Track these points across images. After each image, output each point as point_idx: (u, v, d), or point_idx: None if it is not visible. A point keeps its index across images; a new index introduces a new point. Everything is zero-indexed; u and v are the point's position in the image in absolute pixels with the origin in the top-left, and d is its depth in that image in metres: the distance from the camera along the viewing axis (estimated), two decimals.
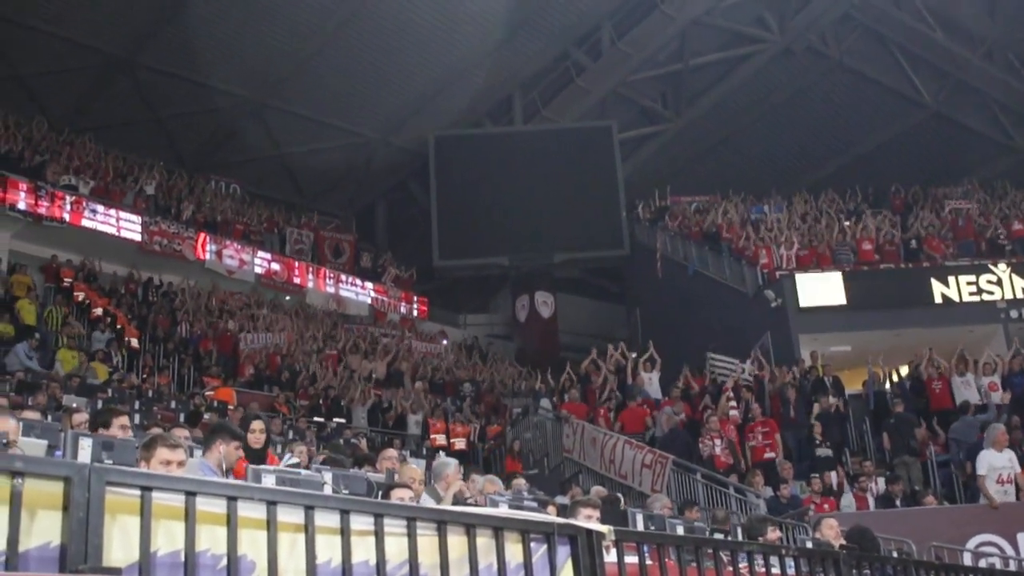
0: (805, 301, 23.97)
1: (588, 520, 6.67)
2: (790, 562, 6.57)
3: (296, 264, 31.30)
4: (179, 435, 7.01)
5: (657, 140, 36.17)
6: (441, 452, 19.03)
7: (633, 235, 33.44)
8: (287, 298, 30.47)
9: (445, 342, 32.40)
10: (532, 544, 4.57)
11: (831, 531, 8.98)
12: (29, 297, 21.89)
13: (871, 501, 15.67)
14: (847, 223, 27.58)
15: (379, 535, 4.07)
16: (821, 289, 24.14)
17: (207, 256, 28.63)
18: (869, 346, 22.64)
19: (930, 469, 17.57)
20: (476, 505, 7.79)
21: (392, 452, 10.42)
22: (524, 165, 33.75)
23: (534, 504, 7.73)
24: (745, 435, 18.29)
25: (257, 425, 8.65)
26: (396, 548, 4.14)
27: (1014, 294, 23.56)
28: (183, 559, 3.54)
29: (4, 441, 5.63)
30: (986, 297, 23.65)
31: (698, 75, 34.08)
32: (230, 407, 18.24)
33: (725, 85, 34.04)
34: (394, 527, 4.15)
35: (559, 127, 34.79)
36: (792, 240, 25.93)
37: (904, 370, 21.27)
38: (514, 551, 4.52)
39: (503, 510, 5.55)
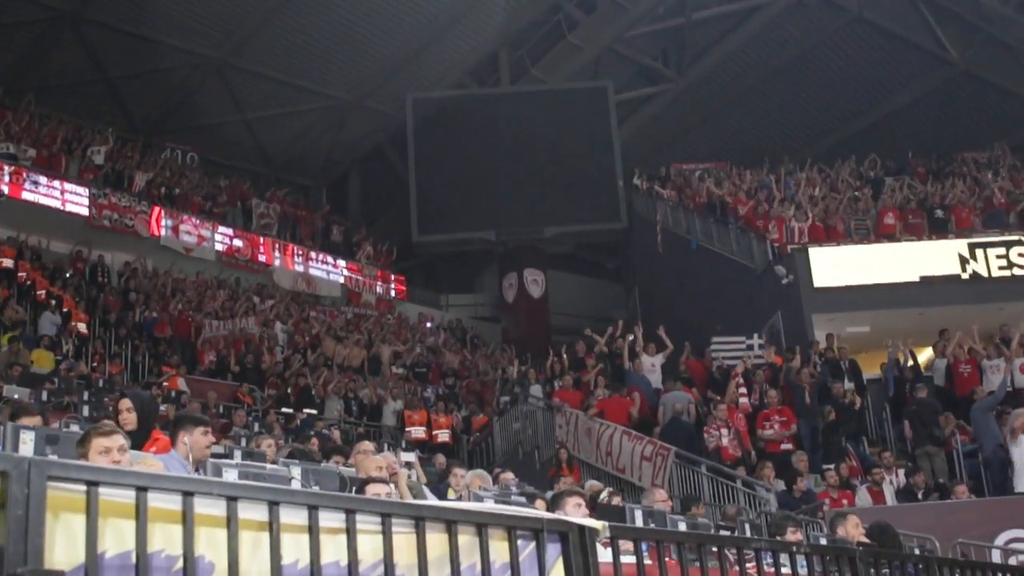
0: (819, 277, 23.96)
1: (577, 510, 6.70)
2: (802, 560, 6.59)
3: (261, 240, 31.20)
4: (107, 425, 7.03)
5: (657, 102, 36.13)
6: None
7: (631, 206, 33.42)
8: (257, 280, 30.30)
9: (429, 324, 32.39)
10: (519, 542, 4.57)
11: (857, 529, 9.00)
12: None
13: (889, 494, 15.75)
14: (866, 192, 27.60)
15: (351, 533, 4.06)
16: (837, 264, 24.14)
17: (162, 232, 28.50)
18: (890, 326, 22.68)
19: (956, 460, 17.66)
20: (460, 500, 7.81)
21: (368, 445, 10.41)
22: (511, 130, 33.68)
23: (522, 499, 7.75)
24: (758, 424, 18.32)
25: (123, 404, 8.43)
26: (370, 547, 4.13)
27: None
28: (134, 560, 3.53)
29: None
30: (1017, 272, 23.67)
31: (702, 30, 34.02)
32: (186, 395, 18.29)
33: (732, 41, 33.98)
34: (367, 524, 4.15)
35: (549, 88, 34.70)
36: (805, 211, 25.93)
37: (928, 352, 21.34)
38: (499, 549, 4.51)
39: (487, 505, 5.55)
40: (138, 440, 7.77)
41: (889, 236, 25.01)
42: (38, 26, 30.59)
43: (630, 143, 35.24)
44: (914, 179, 29.03)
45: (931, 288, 23.52)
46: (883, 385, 20.33)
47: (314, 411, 21.62)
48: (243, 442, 12.33)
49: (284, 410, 20.86)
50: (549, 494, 11.43)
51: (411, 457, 15.89)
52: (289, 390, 22.63)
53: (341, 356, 26.20)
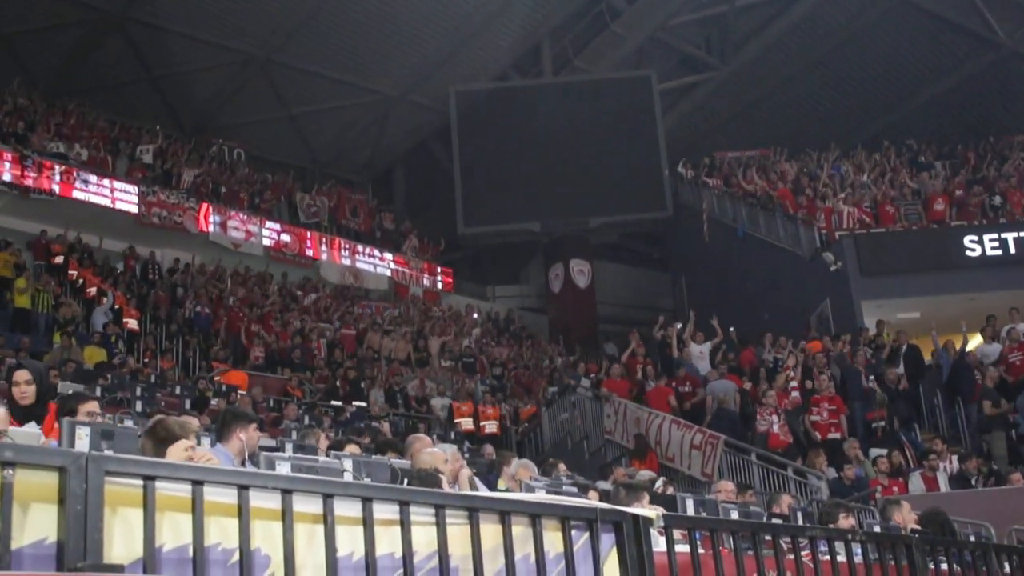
0: (868, 264, 23.78)
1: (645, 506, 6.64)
2: (856, 548, 6.54)
3: (308, 234, 31.32)
4: (191, 424, 7.05)
5: (701, 90, 35.92)
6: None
7: (676, 195, 33.28)
8: (305, 274, 30.41)
9: (475, 316, 32.39)
10: (573, 532, 4.55)
11: (910, 515, 8.92)
12: (24, 276, 21.90)
13: (942, 481, 15.57)
14: (916, 177, 27.32)
15: (405, 524, 4.06)
16: (886, 250, 23.94)
17: (211, 228, 28.66)
18: (939, 312, 22.48)
19: (1009, 445, 17.44)
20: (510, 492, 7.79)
21: (427, 439, 10.29)
22: (555, 121, 33.59)
23: (574, 490, 7.73)
24: (808, 410, 18.18)
25: (21, 376, 7.58)
26: (424, 538, 4.13)
27: None
28: (191, 554, 3.54)
29: None
30: None
31: (745, 17, 33.78)
32: (241, 392, 18.38)
33: (776, 27, 33.71)
34: (421, 516, 4.14)
35: (593, 78, 34.59)
36: (853, 197, 25.70)
37: (978, 338, 21.10)
38: (553, 540, 4.50)
39: (540, 496, 5.53)
40: (36, 415, 7.41)
41: (939, 221, 24.76)
42: (83, 27, 30.80)
43: (674, 132, 35.08)
44: (964, 164, 28.69)
45: (981, 273, 23.29)
46: (935, 372, 20.08)
47: (363, 403, 21.68)
48: (294, 435, 12.38)
49: (333, 403, 20.97)
50: (600, 484, 11.41)
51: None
52: (338, 383, 22.70)
53: (388, 349, 26.28)
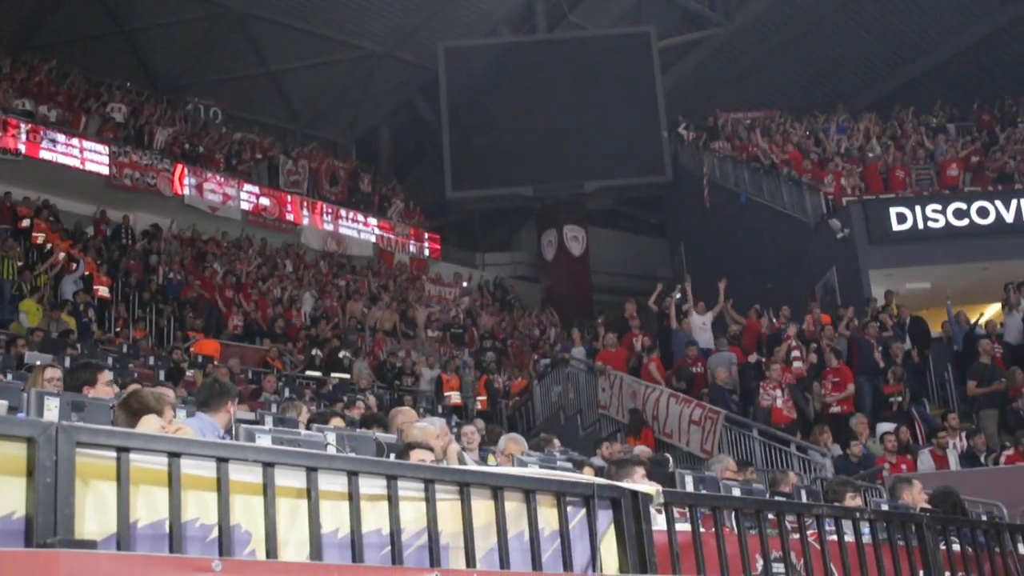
0: (876, 231, 23.75)
1: (643, 480, 6.65)
2: (864, 527, 6.55)
3: (289, 198, 31.16)
4: (167, 396, 7.04)
5: (703, 48, 35.79)
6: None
7: (676, 159, 33.21)
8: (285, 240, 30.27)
9: (466, 284, 32.32)
10: (569, 509, 4.54)
11: (921, 495, 8.93)
12: None
13: (953, 459, 15.59)
14: (929, 140, 27.24)
15: (392, 500, 4.04)
16: (895, 217, 23.90)
17: (186, 191, 28.52)
18: (951, 282, 22.47)
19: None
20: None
21: (413, 413, 10.25)
22: (549, 79, 33.49)
23: (568, 465, 7.73)
24: (819, 382, 18.16)
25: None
26: (413, 515, 4.12)
27: None
28: (167, 530, 3.53)
29: None
30: None
31: None
32: (215, 362, 18.34)
33: None
34: (410, 491, 4.13)
35: (588, 34, 34.48)
36: (862, 161, 25.65)
37: (994, 308, 21.12)
38: (548, 517, 4.50)
39: (534, 470, 5.53)
40: None
41: (952, 187, 24.72)
42: None
43: (674, 92, 34.96)
44: (978, 127, 28.61)
45: (995, 242, 23.25)
46: (945, 344, 20.07)
47: (346, 375, 21.67)
48: (273, 408, 12.36)
49: (312, 373, 20.97)
50: (595, 460, 11.42)
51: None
52: (315, 352, 22.57)
53: (373, 319, 26.24)
